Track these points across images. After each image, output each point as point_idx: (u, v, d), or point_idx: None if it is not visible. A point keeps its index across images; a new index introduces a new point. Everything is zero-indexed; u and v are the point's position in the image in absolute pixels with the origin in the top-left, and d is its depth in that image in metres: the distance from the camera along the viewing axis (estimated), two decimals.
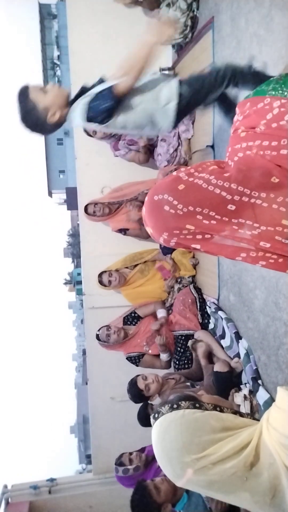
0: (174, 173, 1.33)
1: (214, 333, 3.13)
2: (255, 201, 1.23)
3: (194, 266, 3.70)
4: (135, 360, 3.57)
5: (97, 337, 3.62)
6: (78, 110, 1.97)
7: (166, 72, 3.93)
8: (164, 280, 3.78)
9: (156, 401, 3.00)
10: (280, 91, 1.29)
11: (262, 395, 2.33)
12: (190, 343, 3.19)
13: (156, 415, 1.09)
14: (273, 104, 1.27)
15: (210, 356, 3.07)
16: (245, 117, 1.34)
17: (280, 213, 1.22)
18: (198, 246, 1.32)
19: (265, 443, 1.02)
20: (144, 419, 2.92)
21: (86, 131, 3.71)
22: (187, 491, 2.19)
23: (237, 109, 1.41)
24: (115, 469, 2.95)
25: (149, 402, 3.02)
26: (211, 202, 1.24)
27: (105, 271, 3.86)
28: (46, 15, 35.03)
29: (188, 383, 2.96)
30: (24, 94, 1.99)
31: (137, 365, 3.58)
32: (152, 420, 1.11)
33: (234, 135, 1.37)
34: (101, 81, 2.06)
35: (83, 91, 2.02)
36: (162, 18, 2.46)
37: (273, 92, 1.30)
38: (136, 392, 2.93)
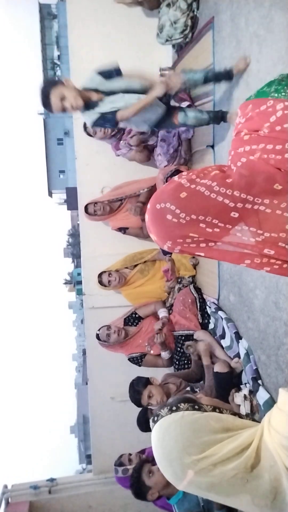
0: (176, 178, 1.32)
1: (214, 333, 3.13)
2: (259, 207, 1.22)
3: (194, 266, 3.70)
4: (137, 360, 3.57)
5: (97, 336, 3.61)
6: (89, 120, 2.65)
7: (166, 72, 3.93)
8: (166, 281, 3.78)
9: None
10: (283, 93, 1.27)
11: (262, 395, 2.33)
12: (185, 346, 3.16)
13: (156, 418, 1.09)
14: (276, 107, 1.25)
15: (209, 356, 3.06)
16: (248, 119, 1.33)
17: (284, 218, 1.21)
18: (202, 254, 1.31)
19: (266, 445, 1.02)
20: (144, 424, 2.91)
21: (86, 131, 3.71)
22: None
23: (238, 111, 1.39)
24: (114, 470, 2.95)
25: (149, 407, 3.02)
26: (214, 210, 1.23)
27: (104, 271, 3.86)
28: (46, 15, 35.00)
29: (188, 388, 2.95)
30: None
31: (139, 365, 3.57)
32: (151, 423, 1.11)
33: (236, 137, 1.35)
34: (118, 71, 2.68)
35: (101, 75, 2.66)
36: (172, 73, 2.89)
37: (276, 94, 1.28)
38: (136, 401, 2.93)
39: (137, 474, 2.37)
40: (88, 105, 2.60)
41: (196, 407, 1.08)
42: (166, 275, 3.74)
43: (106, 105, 2.65)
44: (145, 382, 2.96)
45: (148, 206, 1.33)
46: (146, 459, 2.50)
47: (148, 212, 1.33)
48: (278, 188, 1.20)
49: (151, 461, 2.41)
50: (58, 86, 2.52)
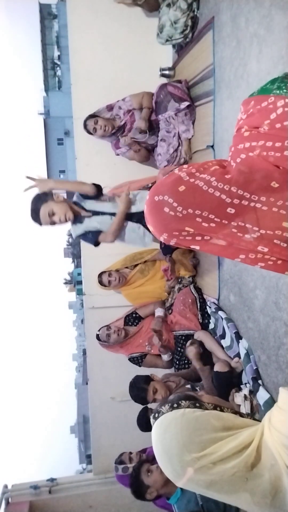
0: (176, 171, 1.33)
1: (214, 333, 3.13)
2: (255, 204, 1.23)
3: (195, 266, 3.70)
4: (138, 360, 3.57)
5: (97, 337, 3.61)
6: (73, 232, 2.91)
7: (166, 72, 3.94)
8: (167, 281, 3.78)
9: (155, 404, 2.99)
10: (285, 90, 1.27)
11: (262, 395, 2.33)
12: (187, 351, 3.16)
13: (156, 415, 1.09)
14: (277, 104, 1.25)
15: (209, 357, 3.06)
16: (249, 116, 1.33)
17: (281, 216, 1.22)
18: (197, 247, 1.32)
19: (267, 444, 1.02)
20: (144, 424, 2.91)
21: (86, 129, 3.71)
22: None
23: (241, 107, 1.40)
24: (114, 468, 2.96)
25: (148, 406, 3.02)
26: (210, 205, 1.24)
27: (104, 271, 3.85)
28: (46, 15, 35.01)
29: (188, 386, 2.95)
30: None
31: (139, 365, 3.57)
32: (152, 420, 1.11)
33: (237, 134, 1.36)
34: (99, 192, 2.93)
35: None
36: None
37: (278, 91, 1.28)
38: (139, 398, 2.94)
39: (136, 473, 2.40)
40: (76, 217, 2.81)
41: (197, 404, 1.08)
42: (166, 274, 3.74)
43: (93, 223, 2.88)
44: (146, 379, 2.97)
45: (147, 197, 1.35)
46: (146, 459, 2.51)
47: (147, 204, 1.34)
48: (275, 186, 1.21)
49: (151, 460, 2.42)
50: (49, 202, 2.63)
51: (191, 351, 3.03)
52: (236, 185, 1.23)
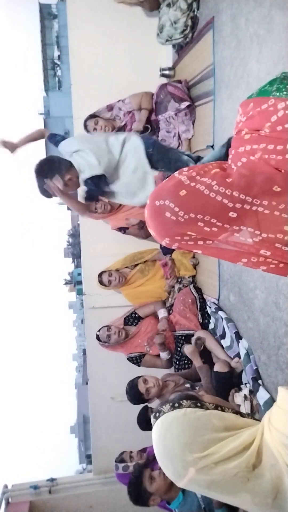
0: (176, 174, 1.32)
1: (214, 333, 3.13)
2: (257, 208, 1.22)
3: (195, 266, 3.70)
4: (136, 360, 3.57)
5: (98, 337, 3.61)
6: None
7: (166, 72, 3.94)
8: (166, 279, 3.78)
9: (155, 403, 2.99)
10: (285, 92, 1.26)
11: (262, 395, 2.33)
12: (184, 349, 3.15)
13: (157, 414, 1.09)
14: (278, 106, 1.24)
15: (209, 357, 3.06)
16: (248, 118, 1.32)
17: (282, 219, 1.21)
18: (199, 251, 1.32)
19: (267, 444, 1.02)
20: (144, 423, 2.91)
21: (86, 129, 3.71)
22: (183, 491, 2.20)
23: (239, 109, 1.39)
24: (115, 466, 2.96)
25: (148, 405, 3.02)
26: (212, 210, 1.23)
27: (105, 271, 3.86)
28: (46, 15, 34.98)
29: (188, 385, 2.95)
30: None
31: (138, 365, 3.57)
32: (152, 419, 1.10)
33: (237, 136, 1.35)
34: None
35: None
36: None
37: (278, 93, 1.28)
38: (135, 395, 2.93)
39: (138, 481, 2.29)
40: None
41: (199, 404, 1.08)
42: (164, 270, 3.74)
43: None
44: (136, 377, 2.98)
45: (148, 201, 1.34)
46: (145, 464, 2.44)
47: (148, 208, 1.33)
48: (277, 190, 1.21)
49: (152, 460, 2.40)
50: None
51: (188, 348, 3.01)
52: (238, 190, 1.22)
